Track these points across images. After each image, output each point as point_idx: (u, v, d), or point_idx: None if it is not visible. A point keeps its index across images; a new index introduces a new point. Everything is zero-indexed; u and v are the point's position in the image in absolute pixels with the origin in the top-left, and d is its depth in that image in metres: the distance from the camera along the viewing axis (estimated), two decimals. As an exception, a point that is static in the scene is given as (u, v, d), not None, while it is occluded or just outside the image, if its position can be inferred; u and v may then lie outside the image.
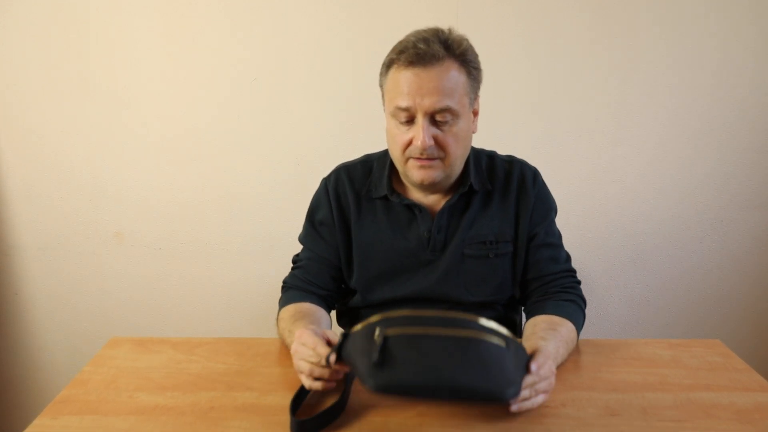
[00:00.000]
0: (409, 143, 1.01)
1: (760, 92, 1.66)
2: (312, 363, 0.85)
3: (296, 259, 1.22)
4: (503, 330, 0.79)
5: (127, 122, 1.70)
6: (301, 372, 0.87)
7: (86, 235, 1.78)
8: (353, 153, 1.24)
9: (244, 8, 1.63)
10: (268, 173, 1.74)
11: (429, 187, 1.08)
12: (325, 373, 0.84)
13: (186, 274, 1.82)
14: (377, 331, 0.75)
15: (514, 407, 0.81)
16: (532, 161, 1.20)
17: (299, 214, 1.24)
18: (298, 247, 1.23)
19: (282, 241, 1.77)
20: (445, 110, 0.98)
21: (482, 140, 1.23)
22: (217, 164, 1.73)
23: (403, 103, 0.98)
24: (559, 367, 0.96)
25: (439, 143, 1.00)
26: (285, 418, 0.83)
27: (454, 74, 0.98)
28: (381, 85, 1.06)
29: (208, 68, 1.66)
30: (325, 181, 1.19)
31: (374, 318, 0.78)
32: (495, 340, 0.77)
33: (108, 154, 1.72)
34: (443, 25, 1.04)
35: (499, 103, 1.67)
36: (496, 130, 1.68)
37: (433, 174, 1.03)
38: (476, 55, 1.03)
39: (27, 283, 1.82)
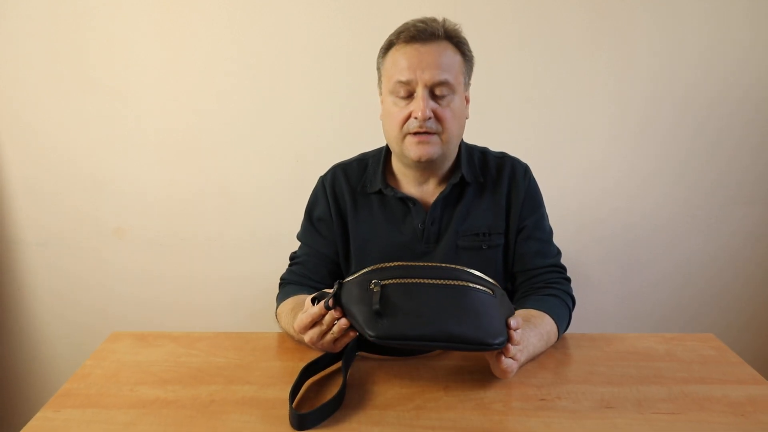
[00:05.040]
0: (407, 118, 1.02)
1: (754, 90, 1.67)
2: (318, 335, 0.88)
3: (293, 256, 1.23)
4: (489, 279, 0.87)
5: (127, 118, 1.71)
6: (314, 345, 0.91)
7: (87, 230, 1.79)
8: (352, 150, 1.25)
9: (244, 5, 1.63)
10: (267, 170, 1.75)
11: (425, 167, 1.09)
12: (328, 342, 0.88)
13: (186, 269, 1.82)
14: (373, 281, 0.82)
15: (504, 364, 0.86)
16: (527, 157, 1.21)
17: (298, 210, 1.25)
18: (297, 244, 1.24)
19: (281, 237, 1.78)
20: (444, 83, 1.01)
21: (477, 136, 1.24)
22: (217, 160, 1.74)
23: (404, 77, 1.00)
24: (544, 361, 0.98)
25: (437, 117, 1.02)
26: (284, 411, 0.84)
27: (450, 53, 1.03)
28: (378, 68, 1.09)
29: (208, 64, 1.67)
30: (322, 179, 1.21)
31: (367, 269, 0.84)
32: (483, 288, 0.85)
33: (108, 149, 1.73)
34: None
35: (495, 100, 1.67)
36: (491, 126, 1.68)
37: (431, 150, 1.04)
38: (468, 43, 1.07)
39: (28, 278, 1.83)
